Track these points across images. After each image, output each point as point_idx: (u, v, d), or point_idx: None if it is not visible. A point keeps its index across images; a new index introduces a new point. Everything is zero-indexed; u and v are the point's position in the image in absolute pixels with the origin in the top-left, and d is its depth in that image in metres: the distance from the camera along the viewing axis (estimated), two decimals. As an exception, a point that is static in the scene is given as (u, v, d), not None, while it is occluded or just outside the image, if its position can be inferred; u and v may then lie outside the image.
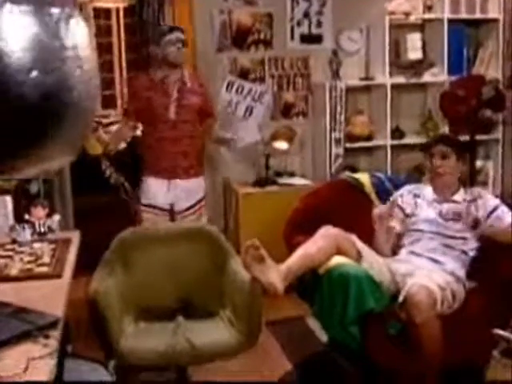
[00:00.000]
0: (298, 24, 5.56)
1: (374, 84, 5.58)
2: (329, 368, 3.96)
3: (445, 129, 5.64)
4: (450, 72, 5.61)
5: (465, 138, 5.49)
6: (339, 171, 5.48)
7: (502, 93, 5.23)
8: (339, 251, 3.76)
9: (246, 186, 5.33)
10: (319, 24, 5.59)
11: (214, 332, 3.44)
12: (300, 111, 5.69)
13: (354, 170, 5.58)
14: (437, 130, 5.68)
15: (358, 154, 5.74)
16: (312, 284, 3.73)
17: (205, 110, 4.62)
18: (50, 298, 2.86)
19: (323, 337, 4.26)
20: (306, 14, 5.57)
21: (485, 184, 5.68)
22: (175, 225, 4.23)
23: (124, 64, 7.64)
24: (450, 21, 5.57)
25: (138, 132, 4.70)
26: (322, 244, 3.72)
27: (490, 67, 5.60)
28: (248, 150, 5.49)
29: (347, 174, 4.58)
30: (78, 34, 1.78)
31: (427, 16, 5.57)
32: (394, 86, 5.55)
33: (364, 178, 4.43)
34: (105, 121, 5.42)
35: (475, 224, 3.94)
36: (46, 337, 2.37)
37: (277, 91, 5.63)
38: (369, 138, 5.62)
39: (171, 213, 4.60)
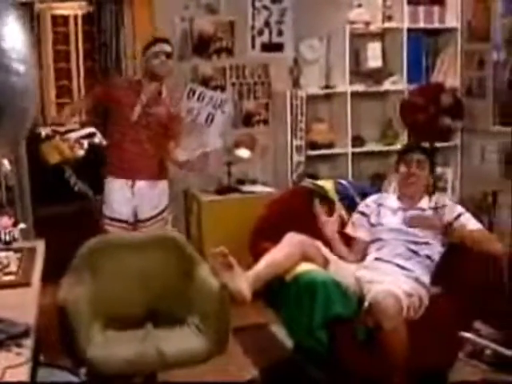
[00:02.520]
0: (259, 33, 5.59)
1: (335, 92, 5.62)
2: (294, 373, 3.97)
3: (404, 137, 5.71)
4: (410, 80, 5.68)
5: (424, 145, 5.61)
6: (301, 179, 5.51)
7: (460, 100, 5.33)
8: (305, 258, 3.80)
9: (208, 194, 5.33)
10: (280, 32, 5.64)
11: (183, 339, 3.44)
12: (261, 119, 5.72)
13: (315, 177, 5.61)
14: (397, 137, 5.76)
15: (318, 161, 5.77)
16: (278, 291, 3.75)
17: (169, 134, 4.59)
18: (21, 306, 2.83)
19: (289, 343, 4.27)
20: (267, 23, 5.61)
21: (444, 190, 5.75)
22: (144, 234, 4.20)
23: (82, 72, 7.57)
24: (409, 30, 5.64)
25: (97, 140, 4.65)
26: (288, 251, 3.75)
27: (448, 76, 5.68)
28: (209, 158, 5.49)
29: (310, 181, 4.59)
30: (15, 38, 1.78)
31: (387, 25, 5.63)
32: (355, 94, 5.60)
33: (328, 184, 4.45)
34: (61, 129, 5.35)
35: (445, 230, 3.98)
36: (19, 346, 2.35)
37: (238, 99, 5.65)
38: (330, 145, 5.66)
39: (134, 225, 4.59)
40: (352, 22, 5.48)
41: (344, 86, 5.57)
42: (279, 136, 5.63)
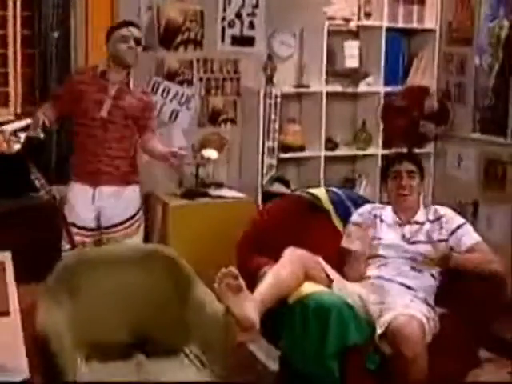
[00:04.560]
0: (230, 25, 5.19)
1: (308, 92, 5.27)
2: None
3: (378, 140, 5.43)
4: (386, 82, 5.39)
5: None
6: (271, 183, 5.16)
7: (446, 105, 5.08)
8: (308, 276, 3.45)
9: (175, 198, 4.90)
10: (252, 26, 5.24)
11: (180, 372, 3.04)
12: (228, 118, 5.31)
13: (284, 181, 5.28)
14: (369, 141, 5.46)
15: (287, 164, 5.42)
16: (278, 314, 3.37)
17: (143, 124, 4.20)
18: (4, 343, 2.37)
19: (271, 365, 3.95)
20: (239, 15, 5.21)
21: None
22: (126, 246, 3.76)
23: (19, 59, 6.99)
24: (387, 29, 5.35)
25: (41, 135, 4.16)
26: (291, 269, 3.39)
27: (424, 78, 5.41)
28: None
29: (304, 190, 4.24)
30: None
31: (365, 23, 5.32)
32: (328, 95, 5.26)
33: (321, 193, 4.12)
34: (-5, 121, 4.85)
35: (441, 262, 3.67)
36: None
37: (205, 95, 5.23)
38: (300, 148, 5.31)
39: (98, 232, 4.15)
40: (330, 18, 5.14)
41: (319, 85, 5.22)
42: (248, 136, 5.25)
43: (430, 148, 5.51)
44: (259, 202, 5.08)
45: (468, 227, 3.79)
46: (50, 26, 5.75)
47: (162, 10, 5.01)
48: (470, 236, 3.75)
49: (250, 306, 3.07)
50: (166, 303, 3.25)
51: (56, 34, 5.78)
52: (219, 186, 5.15)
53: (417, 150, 5.45)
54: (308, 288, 3.36)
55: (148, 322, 3.22)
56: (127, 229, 4.22)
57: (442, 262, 3.63)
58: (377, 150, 5.46)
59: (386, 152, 5.43)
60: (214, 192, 4.99)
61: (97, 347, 3.11)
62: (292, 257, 3.45)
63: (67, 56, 5.77)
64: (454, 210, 3.98)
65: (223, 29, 5.18)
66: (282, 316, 3.36)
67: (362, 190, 5.39)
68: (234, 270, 3.04)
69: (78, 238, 4.08)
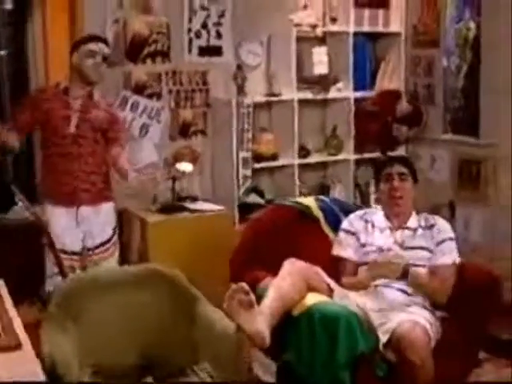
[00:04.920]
0: (197, 35, 5.10)
1: (280, 100, 5.22)
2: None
3: (350, 146, 5.41)
4: (355, 87, 5.38)
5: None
6: (247, 194, 5.10)
7: (419, 108, 5.09)
8: (309, 287, 3.39)
9: (152, 214, 4.78)
10: (219, 35, 5.17)
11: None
12: (198, 129, 5.22)
13: (259, 191, 5.22)
14: (341, 147, 5.44)
15: (258, 174, 5.34)
16: (282, 327, 3.30)
17: (112, 136, 4.10)
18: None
19: (267, 378, 3.88)
20: (205, 25, 5.13)
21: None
22: (125, 268, 3.64)
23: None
24: (354, 34, 5.34)
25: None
26: (292, 281, 3.32)
27: (392, 81, 5.42)
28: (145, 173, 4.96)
29: (292, 199, 4.18)
30: None
31: (331, 29, 5.30)
32: (299, 102, 5.22)
33: (310, 202, 4.06)
34: None
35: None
36: None
37: (174, 108, 5.13)
38: (273, 157, 5.25)
39: (82, 255, 4.02)
40: (297, 25, 5.10)
41: (290, 93, 5.18)
42: (220, 148, 5.17)
43: (401, 151, 5.50)
44: (236, 213, 5.00)
45: (452, 244, 3.70)
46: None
47: (128, 23, 4.90)
48: (449, 255, 3.66)
49: (261, 321, 3.01)
50: (171, 323, 3.15)
51: (3, 52, 5.64)
52: (194, 199, 5.05)
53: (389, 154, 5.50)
54: (311, 299, 3.30)
55: (155, 343, 3.11)
56: (107, 251, 4.12)
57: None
58: (349, 155, 5.44)
59: (358, 157, 5.43)
60: (190, 205, 4.89)
61: (104, 371, 2.99)
62: (291, 269, 3.38)
63: (21, 74, 5.64)
64: (430, 212, 3.97)
65: (190, 40, 5.10)
66: (286, 329, 3.29)
67: (336, 195, 5.35)
68: (245, 285, 2.97)
69: (66, 263, 3.95)
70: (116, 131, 4.11)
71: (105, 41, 4.10)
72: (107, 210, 4.14)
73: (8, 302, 2.91)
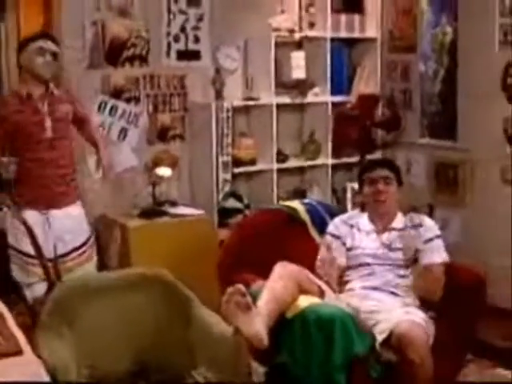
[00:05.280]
0: (175, 39, 5.07)
1: (257, 104, 5.22)
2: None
3: (327, 151, 5.42)
4: (331, 92, 5.40)
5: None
6: (226, 198, 5.07)
7: (397, 113, 5.13)
8: (300, 289, 3.37)
9: (133, 219, 4.74)
10: (197, 39, 5.15)
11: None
12: (176, 134, 5.19)
13: (237, 196, 5.20)
14: (318, 152, 5.45)
15: (236, 179, 5.32)
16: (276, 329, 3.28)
17: (79, 117, 4.11)
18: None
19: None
20: (183, 29, 5.10)
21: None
22: (118, 272, 3.58)
23: None
24: (331, 39, 5.37)
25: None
26: (284, 284, 3.30)
27: (368, 86, 5.45)
28: (122, 178, 4.94)
29: (280, 202, 4.18)
30: None
31: (309, 34, 5.31)
32: (277, 107, 5.22)
33: (297, 205, 4.06)
34: None
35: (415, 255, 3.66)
36: None
37: (152, 112, 5.09)
38: (251, 161, 5.24)
39: (55, 262, 3.94)
40: (276, 29, 5.11)
41: (269, 97, 5.17)
42: (197, 152, 5.14)
43: (378, 155, 5.52)
44: (215, 218, 4.98)
45: (440, 242, 3.72)
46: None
47: (107, 26, 4.86)
48: (437, 253, 3.66)
49: (259, 322, 3.00)
50: (167, 327, 3.11)
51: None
52: (173, 203, 5.02)
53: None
54: (304, 301, 3.29)
55: (150, 347, 3.07)
56: (81, 256, 4.05)
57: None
58: (326, 159, 5.45)
59: (335, 161, 5.45)
60: (171, 210, 4.86)
61: (100, 377, 2.93)
62: (283, 271, 3.37)
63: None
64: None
65: (168, 44, 5.07)
66: (280, 331, 3.27)
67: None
68: (241, 287, 2.96)
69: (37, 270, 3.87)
70: (80, 111, 4.11)
71: (53, 38, 3.99)
72: (78, 210, 4.08)
73: (4, 309, 2.86)
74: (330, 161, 5.46)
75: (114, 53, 4.91)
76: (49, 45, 3.87)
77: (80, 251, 4.07)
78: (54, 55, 3.90)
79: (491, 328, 4.35)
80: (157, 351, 3.06)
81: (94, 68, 4.85)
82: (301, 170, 5.60)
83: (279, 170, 5.32)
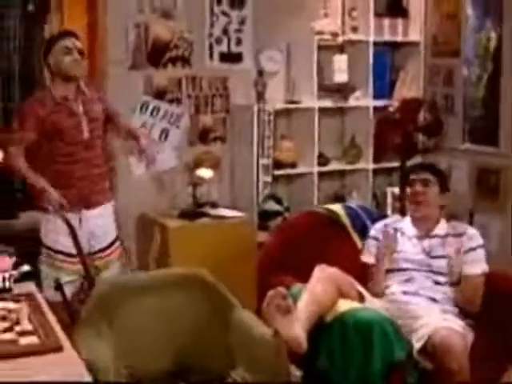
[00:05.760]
0: (217, 41, 5.09)
1: (299, 108, 5.22)
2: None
3: (369, 155, 5.40)
4: (373, 96, 5.38)
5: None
6: (266, 201, 5.08)
7: (439, 117, 5.09)
8: (340, 293, 3.37)
9: (173, 219, 4.75)
10: (239, 42, 5.16)
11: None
12: (218, 136, 5.21)
13: (277, 199, 5.20)
14: (359, 156, 5.44)
15: (276, 182, 5.32)
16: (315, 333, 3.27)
17: (111, 114, 4.08)
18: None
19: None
20: (226, 31, 5.12)
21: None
22: (161, 272, 3.61)
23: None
24: (374, 43, 5.35)
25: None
26: (323, 287, 3.31)
27: (411, 91, 5.42)
28: (163, 179, 4.97)
29: (320, 205, 4.18)
30: None
31: (352, 37, 5.30)
32: (319, 110, 5.22)
33: (338, 209, 4.06)
34: None
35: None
36: None
37: (194, 113, 5.11)
38: (292, 164, 5.24)
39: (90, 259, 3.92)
40: (319, 33, 5.10)
41: (311, 101, 5.17)
42: (240, 154, 5.15)
43: (419, 160, 5.48)
44: (255, 220, 4.99)
45: (482, 252, 3.70)
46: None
47: (150, 28, 4.89)
48: (478, 264, 3.65)
49: (298, 326, 3.01)
50: (207, 329, 3.12)
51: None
52: (214, 205, 5.02)
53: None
54: (344, 305, 3.29)
55: (189, 348, 3.09)
56: (112, 254, 4.05)
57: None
58: (367, 164, 5.43)
59: (376, 166, 5.42)
60: (211, 211, 4.87)
61: (139, 377, 2.96)
62: (322, 275, 3.37)
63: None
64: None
65: (211, 46, 5.09)
66: (319, 335, 3.26)
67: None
68: (283, 290, 2.96)
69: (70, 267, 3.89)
70: (110, 107, 4.09)
71: (77, 36, 3.91)
72: (111, 210, 4.09)
73: (44, 306, 2.89)
74: (371, 165, 5.43)
75: (156, 54, 4.94)
76: (74, 42, 3.81)
77: (115, 246, 4.07)
78: (81, 53, 3.84)
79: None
80: (196, 351, 3.08)
81: (137, 69, 4.88)
82: (341, 174, 5.59)
83: (320, 174, 5.32)
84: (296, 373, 3.61)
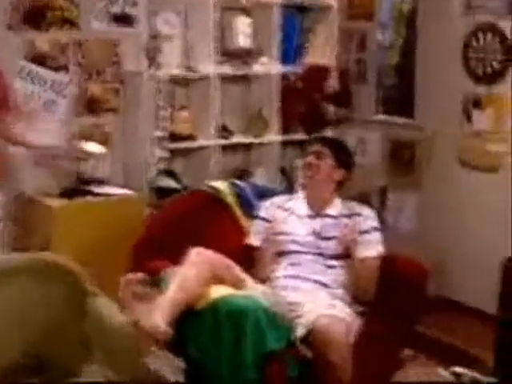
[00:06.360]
0: (112, 2, 4.61)
1: (197, 75, 4.76)
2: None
3: (275, 127, 4.99)
4: (281, 62, 4.95)
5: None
6: (159, 177, 4.65)
7: (348, 86, 4.70)
8: (216, 279, 3.01)
9: (53, 198, 4.29)
10: (134, 3, 4.69)
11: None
12: (109, 107, 4.74)
13: (173, 175, 4.77)
14: (266, 128, 5.01)
15: (174, 156, 4.87)
16: (185, 322, 2.89)
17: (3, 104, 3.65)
18: None
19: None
20: (119, -10, 4.65)
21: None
22: (14, 256, 3.24)
23: None
24: (281, 6, 4.92)
25: None
26: (196, 271, 2.96)
27: (322, 57, 5.00)
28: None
29: (206, 184, 3.77)
30: None
31: (256, -1, 4.87)
32: (219, 78, 4.78)
33: (223, 186, 3.67)
34: None
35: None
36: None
37: (82, 82, 4.63)
38: (190, 137, 4.80)
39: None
40: (219, -7, 4.67)
41: (209, 67, 4.72)
42: (131, 126, 4.70)
43: (328, 133, 5.08)
44: (147, 198, 4.55)
45: (378, 235, 3.44)
46: None
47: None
48: (373, 246, 3.39)
49: (158, 315, 2.68)
50: (61, 318, 2.77)
51: None
52: (100, 182, 4.56)
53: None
54: (217, 291, 2.94)
55: (43, 341, 2.74)
56: None
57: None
58: (275, 136, 5.02)
59: (285, 138, 5.03)
60: (95, 189, 4.41)
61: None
62: (197, 258, 3.03)
63: None
64: (359, 199, 3.72)
65: (102, 7, 4.60)
66: (189, 323, 2.89)
67: (259, 180, 4.94)
68: (140, 276, 2.72)
69: None
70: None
71: None
72: None
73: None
74: (279, 137, 5.03)
75: (37, 14, 4.42)
76: None
77: None
78: None
79: (442, 322, 4.14)
80: (49, 343, 2.73)
81: (14, 30, 4.38)
82: (247, 148, 5.16)
83: (223, 148, 4.89)
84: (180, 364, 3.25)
